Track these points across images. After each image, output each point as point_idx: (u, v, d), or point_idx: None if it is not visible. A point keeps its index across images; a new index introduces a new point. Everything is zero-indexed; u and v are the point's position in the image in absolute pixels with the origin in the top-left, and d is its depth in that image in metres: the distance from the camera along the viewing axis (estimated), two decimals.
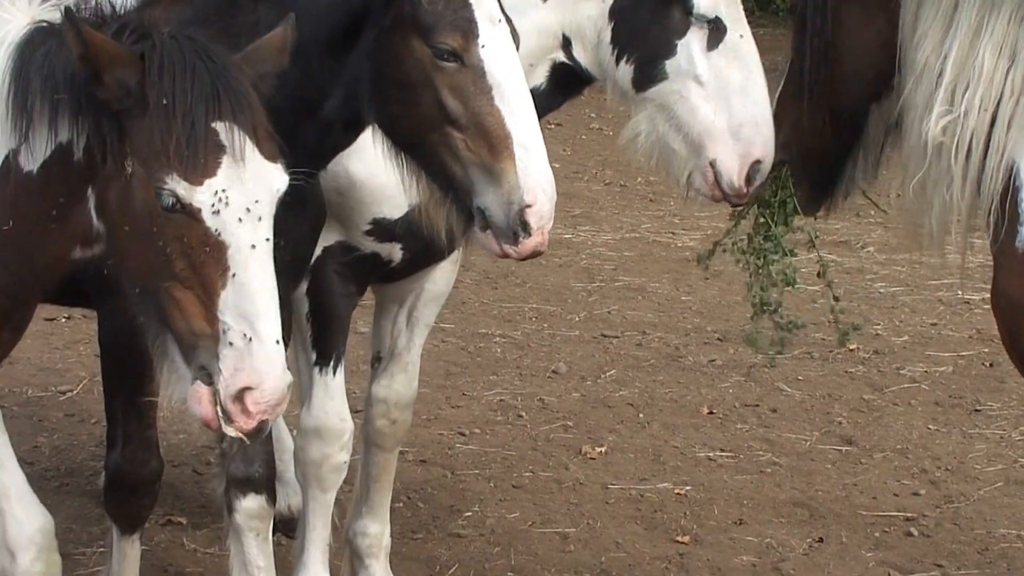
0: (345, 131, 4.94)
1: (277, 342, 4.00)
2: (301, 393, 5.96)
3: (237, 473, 5.63)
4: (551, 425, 8.31)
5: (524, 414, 8.44)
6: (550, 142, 4.88)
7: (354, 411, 6.06)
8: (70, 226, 4.20)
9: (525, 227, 4.59)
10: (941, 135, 4.97)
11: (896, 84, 5.22)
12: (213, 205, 3.95)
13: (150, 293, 4.05)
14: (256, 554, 5.66)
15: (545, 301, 10.28)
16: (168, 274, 3.99)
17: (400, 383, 6.26)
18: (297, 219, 5.16)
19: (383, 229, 5.64)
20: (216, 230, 3.96)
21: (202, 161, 3.95)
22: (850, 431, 8.32)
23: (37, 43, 4.15)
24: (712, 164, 5.35)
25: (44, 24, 4.18)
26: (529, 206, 4.57)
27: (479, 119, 4.59)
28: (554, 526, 7.19)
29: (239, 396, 3.96)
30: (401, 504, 7.26)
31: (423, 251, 5.73)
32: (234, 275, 3.97)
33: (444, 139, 4.64)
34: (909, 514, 7.39)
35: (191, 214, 3.95)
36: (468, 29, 4.59)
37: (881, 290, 10.60)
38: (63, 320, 9.38)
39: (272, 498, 5.69)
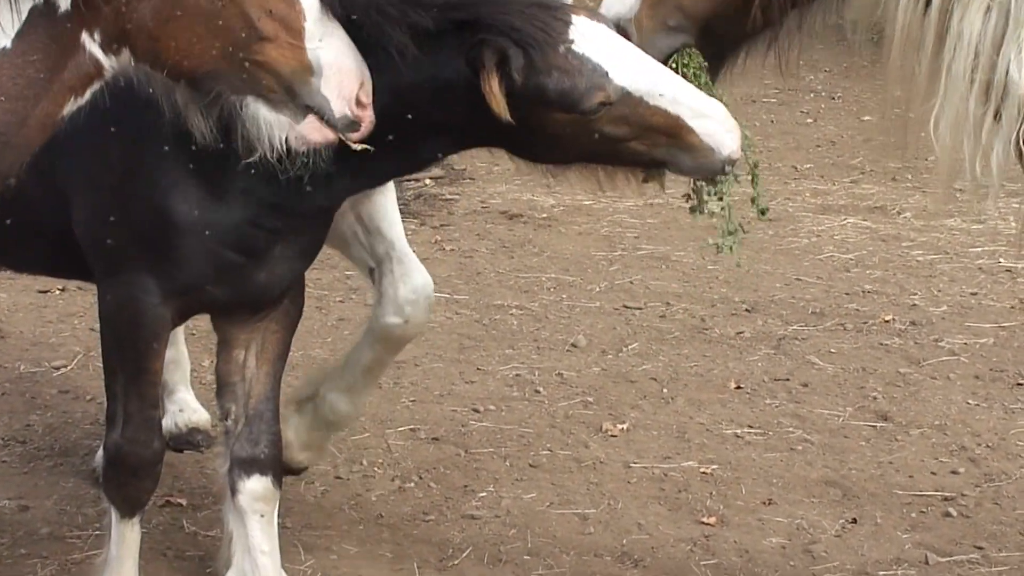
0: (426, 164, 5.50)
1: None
2: None
3: (241, 453, 5.64)
4: (570, 401, 8.31)
5: (542, 389, 8.44)
6: None
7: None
8: (61, 81, 4.33)
9: (733, 164, 5.13)
10: None
11: None
12: None
13: (224, 73, 4.46)
14: (261, 538, 5.68)
15: (564, 271, 10.27)
16: (250, 39, 4.41)
17: (408, 278, 6.31)
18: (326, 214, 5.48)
19: None
20: None
21: None
22: (885, 406, 8.31)
23: None
24: None
25: None
26: (733, 150, 5.05)
27: (648, 125, 4.99)
28: (573, 507, 7.20)
29: (358, 99, 4.55)
30: (412, 484, 7.28)
31: None
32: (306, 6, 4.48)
33: (621, 149, 5.06)
34: (947, 493, 7.38)
35: None
36: (605, 76, 4.95)
37: (919, 258, 10.57)
38: (57, 292, 9.40)
39: (278, 479, 5.71)
